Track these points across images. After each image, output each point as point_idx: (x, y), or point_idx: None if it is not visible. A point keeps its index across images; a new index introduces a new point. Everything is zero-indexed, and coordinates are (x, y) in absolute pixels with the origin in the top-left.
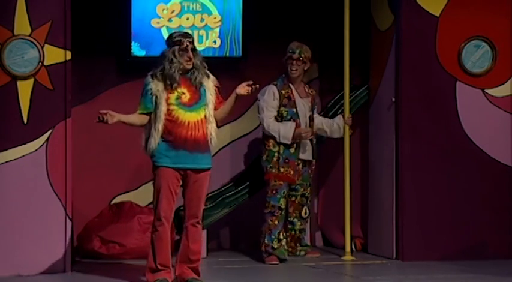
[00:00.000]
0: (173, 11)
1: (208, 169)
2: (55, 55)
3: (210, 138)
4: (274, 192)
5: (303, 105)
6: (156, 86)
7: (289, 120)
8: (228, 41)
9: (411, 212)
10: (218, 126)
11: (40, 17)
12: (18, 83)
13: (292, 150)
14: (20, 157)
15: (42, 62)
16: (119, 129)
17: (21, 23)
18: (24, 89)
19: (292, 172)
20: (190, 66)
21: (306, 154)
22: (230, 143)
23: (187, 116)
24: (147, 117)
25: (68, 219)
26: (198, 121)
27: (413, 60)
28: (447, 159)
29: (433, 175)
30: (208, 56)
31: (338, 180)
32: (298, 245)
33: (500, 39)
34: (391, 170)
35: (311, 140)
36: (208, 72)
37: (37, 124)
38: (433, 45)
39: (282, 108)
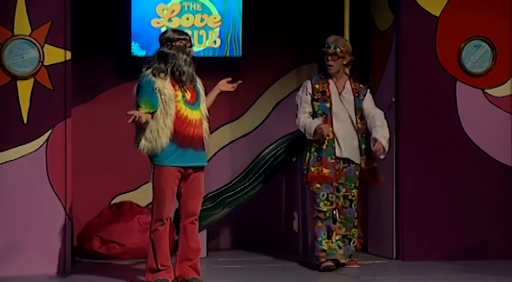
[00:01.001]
0: (173, 11)
1: (205, 166)
2: (55, 55)
3: (206, 135)
4: (313, 197)
5: (341, 101)
6: (162, 83)
7: (321, 115)
8: (228, 41)
9: (411, 212)
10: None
11: (40, 17)
12: (18, 83)
13: (324, 146)
14: (20, 157)
15: (42, 62)
16: (119, 129)
17: (21, 23)
18: (24, 89)
19: (326, 170)
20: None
21: (347, 153)
22: (230, 143)
23: (194, 115)
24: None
25: (68, 219)
26: (200, 119)
27: (413, 60)
28: (447, 159)
29: (433, 175)
30: (208, 56)
31: None
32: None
33: (500, 39)
34: (391, 170)
35: (358, 139)
36: None
37: (37, 124)
38: (433, 45)
39: (314, 103)
